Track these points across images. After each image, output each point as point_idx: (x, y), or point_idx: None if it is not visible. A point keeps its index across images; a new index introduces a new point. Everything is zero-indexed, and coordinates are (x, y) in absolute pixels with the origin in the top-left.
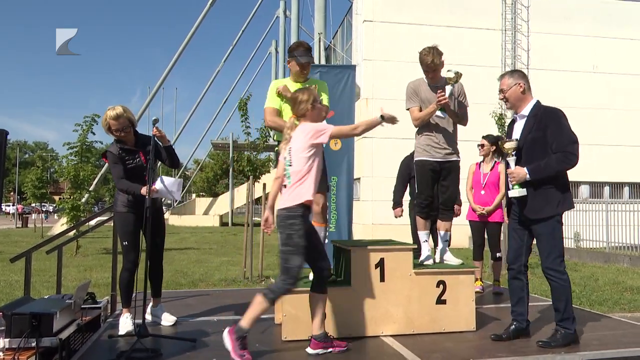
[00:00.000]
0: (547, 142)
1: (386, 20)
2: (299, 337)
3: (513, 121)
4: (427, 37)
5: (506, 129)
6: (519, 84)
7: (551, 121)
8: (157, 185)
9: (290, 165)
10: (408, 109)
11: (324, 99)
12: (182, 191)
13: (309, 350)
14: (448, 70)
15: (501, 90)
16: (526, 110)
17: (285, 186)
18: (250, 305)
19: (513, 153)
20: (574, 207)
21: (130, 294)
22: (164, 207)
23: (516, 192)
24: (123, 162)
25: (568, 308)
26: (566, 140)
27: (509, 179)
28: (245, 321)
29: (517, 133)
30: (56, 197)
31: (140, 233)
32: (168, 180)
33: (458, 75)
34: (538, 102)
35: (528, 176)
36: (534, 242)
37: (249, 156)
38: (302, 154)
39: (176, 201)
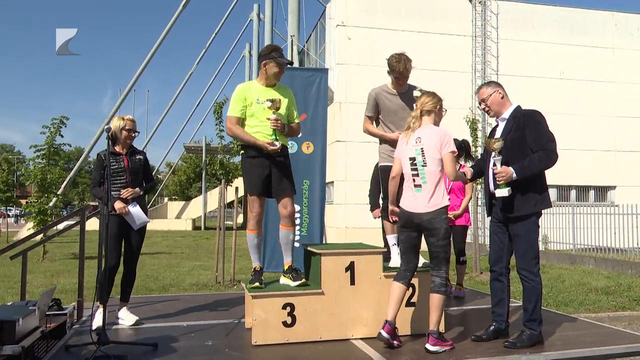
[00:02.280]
0: (525, 142)
1: (359, 24)
2: (269, 341)
3: (496, 126)
4: (399, 42)
5: (488, 133)
6: (497, 90)
7: (529, 121)
8: (131, 208)
9: (424, 166)
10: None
11: (288, 105)
12: (154, 195)
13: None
14: (415, 89)
15: (482, 100)
16: (507, 114)
17: (418, 186)
18: (432, 308)
19: (499, 152)
20: (551, 206)
21: (105, 290)
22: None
23: (504, 191)
24: (104, 167)
25: (537, 310)
26: (545, 138)
27: (496, 178)
28: (435, 324)
29: (498, 135)
30: (23, 201)
31: (122, 237)
32: (138, 214)
33: None
34: (519, 106)
35: (515, 175)
36: None
37: (222, 159)
38: (437, 155)
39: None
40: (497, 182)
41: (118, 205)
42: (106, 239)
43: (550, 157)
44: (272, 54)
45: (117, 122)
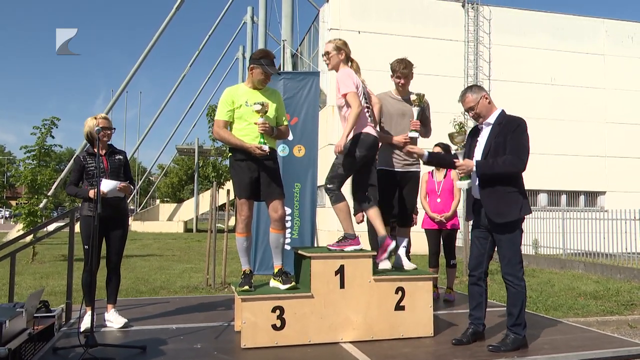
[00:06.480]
0: (506, 147)
1: (352, 29)
2: (258, 344)
3: (477, 129)
4: (392, 46)
5: (466, 136)
6: (483, 95)
7: (513, 128)
8: (104, 186)
9: None
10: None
11: (277, 108)
12: (146, 196)
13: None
14: (411, 93)
15: (470, 109)
16: (492, 118)
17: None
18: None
19: (462, 146)
20: (531, 212)
21: (92, 293)
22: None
23: (465, 183)
24: (83, 168)
25: (521, 314)
26: (519, 146)
27: (458, 170)
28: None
29: (483, 139)
30: (13, 202)
31: (102, 238)
32: (107, 184)
33: (420, 96)
34: (503, 111)
35: (474, 168)
36: (496, 249)
37: (214, 162)
38: None
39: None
40: (459, 174)
41: (92, 193)
42: (92, 241)
43: (515, 163)
44: (262, 60)
45: (91, 122)
